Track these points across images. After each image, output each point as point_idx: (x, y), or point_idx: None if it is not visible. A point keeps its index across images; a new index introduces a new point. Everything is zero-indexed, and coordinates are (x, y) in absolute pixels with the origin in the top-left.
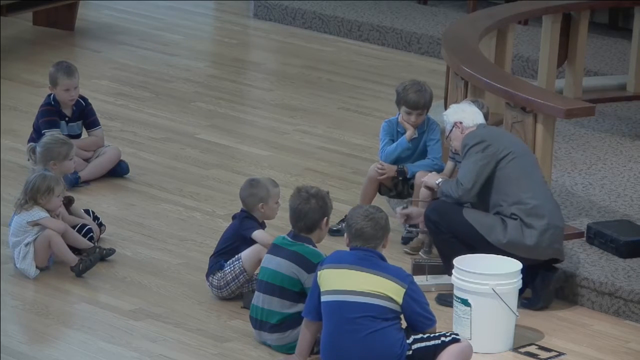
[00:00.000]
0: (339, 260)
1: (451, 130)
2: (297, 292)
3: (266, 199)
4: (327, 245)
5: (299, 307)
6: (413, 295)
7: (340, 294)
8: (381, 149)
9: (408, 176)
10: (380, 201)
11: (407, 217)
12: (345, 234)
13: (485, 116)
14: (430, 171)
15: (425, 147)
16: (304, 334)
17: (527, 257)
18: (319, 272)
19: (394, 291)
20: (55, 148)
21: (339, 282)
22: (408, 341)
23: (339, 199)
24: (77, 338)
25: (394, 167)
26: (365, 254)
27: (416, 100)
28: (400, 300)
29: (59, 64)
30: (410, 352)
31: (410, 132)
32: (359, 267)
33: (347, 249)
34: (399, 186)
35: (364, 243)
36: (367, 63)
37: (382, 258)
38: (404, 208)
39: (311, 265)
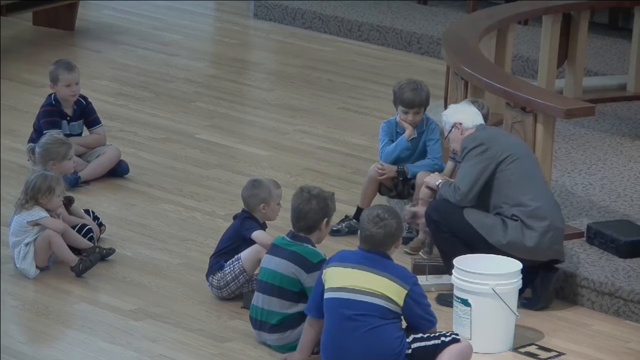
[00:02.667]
0: (344, 259)
1: (450, 131)
2: (296, 292)
3: (268, 200)
4: (327, 245)
5: (299, 307)
6: (415, 297)
7: (341, 291)
8: (381, 150)
9: (408, 176)
10: (379, 201)
11: (414, 215)
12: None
13: (486, 117)
14: (432, 171)
15: (425, 147)
16: (306, 331)
17: (528, 258)
18: (324, 270)
19: (395, 292)
20: (54, 148)
21: (342, 279)
22: (408, 340)
23: (339, 199)
24: (77, 338)
25: (394, 168)
26: (369, 253)
27: (412, 99)
28: (400, 302)
29: (59, 62)
30: (410, 350)
31: (408, 132)
32: (363, 267)
33: (348, 247)
34: (399, 186)
35: (373, 247)
36: (367, 63)
37: (388, 257)
38: (412, 205)
39: (310, 265)
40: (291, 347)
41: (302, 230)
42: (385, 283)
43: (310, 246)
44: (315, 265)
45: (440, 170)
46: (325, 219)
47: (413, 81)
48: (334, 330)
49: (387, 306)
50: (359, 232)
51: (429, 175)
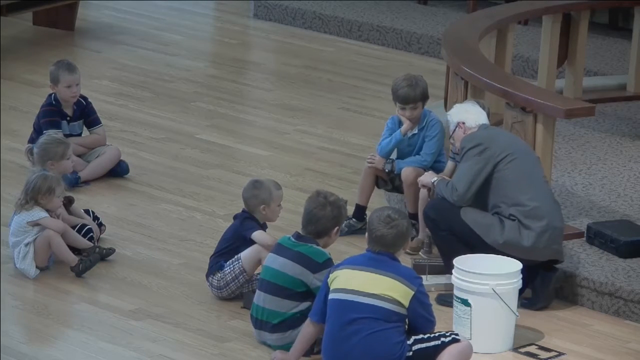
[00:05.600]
0: (352, 263)
1: (454, 130)
2: (299, 293)
3: (268, 201)
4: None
5: (301, 307)
6: (420, 298)
7: (347, 292)
8: (379, 142)
9: (395, 172)
10: (378, 197)
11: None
12: (366, 235)
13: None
14: (422, 167)
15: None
16: (303, 334)
17: (525, 258)
18: (330, 274)
19: (402, 294)
20: (52, 148)
21: (348, 281)
22: (409, 342)
23: None
24: (77, 338)
25: (383, 160)
26: (377, 255)
27: (405, 95)
28: (407, 304)
29: (60, 62)
30: (411, 353)
31: (405, 126)
32: (370, 268)
33: (348, 247)
34: (395, 181)
35: (384, 248)
36: (367, 63)
37: (394, 259)
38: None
39: (316, 265)
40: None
41: (310, 234)
42: (391, 284)
43: (315, 246)
44: (321, 264)
45: (427, 167)
46: (336, 227)
47: (409, 77)
48: (336, 332)
49: (392, 309)
50: (367, 233)
51: (412, 170)
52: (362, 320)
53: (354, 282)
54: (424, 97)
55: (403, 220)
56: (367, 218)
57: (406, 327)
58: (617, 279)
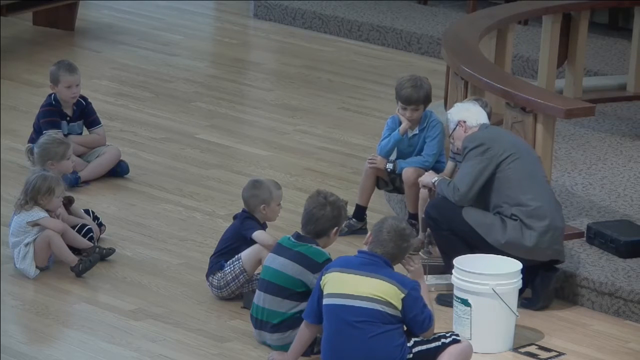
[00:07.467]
0: (344, 265)
1: (455, 129)
2: (299, 293)
3: (268, 200)
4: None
5: (301, 307)
6: (412, 301)
7: (341, 297)
8: (379, 142)
9: (397, 172)
10: (378, 198)
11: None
12: (368, 235)
13: (488, 115)
14: (423, 168)
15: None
16: (300, 335)
17: (527, 258)
18: (323, 276)
19: (394, 296)
20: (52, 148)
21: (341, 285)
22: (409, 344)
23: None
24: (77, 338)
25: (385, 161)
26: (371, 258)
27: (408, 96)
28: (399, 305)
29: (60, 62)
30: (411, 355)
31: (403, 125)
32: (362, 272)
33: (348, 247)
34: (396, 181)
35: (384, 254)
36: (367, 63)
37: (388, 264)
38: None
39: (316, 265)
40: None
41: (309, 234)
42: (384, 286)
43: (314, 246)
44: (321, 264)
45: (429, 168)
46: (336, 228)
47: (414, 78)
48: (334, 337)
49: (387, 311)
50: (374, 234)
51: (414, 170)
52: (360, 324)
53: (347, 286)
54: (427, 100)
55: (413, 240)
56: (377, 221)
57: (405, 328)
58: (617, 279)
